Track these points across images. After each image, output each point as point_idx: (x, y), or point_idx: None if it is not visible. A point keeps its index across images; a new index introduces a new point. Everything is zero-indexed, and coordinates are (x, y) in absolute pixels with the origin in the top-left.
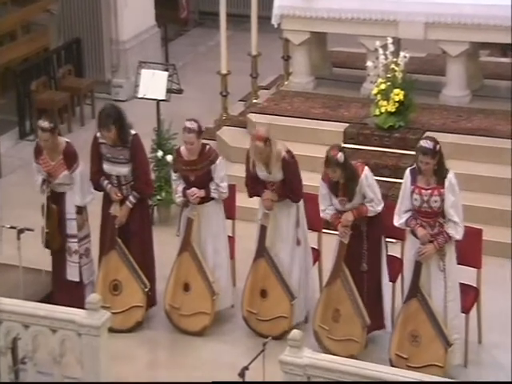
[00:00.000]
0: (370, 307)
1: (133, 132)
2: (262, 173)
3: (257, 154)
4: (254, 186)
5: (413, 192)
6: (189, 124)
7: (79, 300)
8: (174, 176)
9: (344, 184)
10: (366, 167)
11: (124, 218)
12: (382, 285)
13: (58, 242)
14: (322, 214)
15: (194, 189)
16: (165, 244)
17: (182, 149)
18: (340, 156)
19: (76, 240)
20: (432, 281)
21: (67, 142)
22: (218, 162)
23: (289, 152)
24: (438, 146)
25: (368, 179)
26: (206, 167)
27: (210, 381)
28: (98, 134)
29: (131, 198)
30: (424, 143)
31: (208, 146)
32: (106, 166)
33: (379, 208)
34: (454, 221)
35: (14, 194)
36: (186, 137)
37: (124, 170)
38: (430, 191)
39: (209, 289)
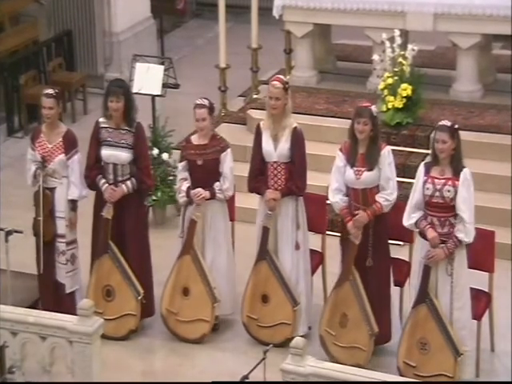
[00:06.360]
0: (376, 310)
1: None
2: (268, 147)
3: (273, 101)
4: (257, 179)
5: (425, 182)
6: (200, 101)
7: (66, 306)
8: (179, 166)
9: (365, 153)
10: (388, 146)
11: (117, 198)
12: (390, 282)
13: (51, 231)
14: (331, 198)
15: (199, 189)
16: (161, 247)
17: (193, 137)
18: (374, 108)
19: (64, 240)
20: (439, 285)
21: (68, 128)
22: (228, 151)
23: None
24: (456, 126)
25: (390, 156)
26: (215, 154)
27: None
28: (101, 119)
29: (129, 183)
30: (442, 122)
31: (219, 136)
32: (105, 152)
33: (394, 196)
34: (464, 219)
35: (2, 193)
36: (197, 113)
37: (124, 156)
38: (443, 181)
39: (210, 295)
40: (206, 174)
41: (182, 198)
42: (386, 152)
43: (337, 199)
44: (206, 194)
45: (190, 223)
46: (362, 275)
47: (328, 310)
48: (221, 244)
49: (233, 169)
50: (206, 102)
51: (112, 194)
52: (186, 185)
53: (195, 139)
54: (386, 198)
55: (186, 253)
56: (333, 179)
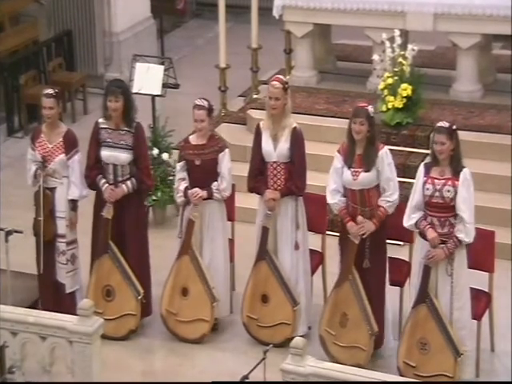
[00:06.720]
0: (373, 312)
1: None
2: (268, 147)
3: (273, 101)
4: (257, 179)
5: (425, 182)
6: (199, 101)
7: (66, 306)
8: (177, 166)
9: (362, 154)
10: (386, 146)
11: (117, 198)
12: (385, 286)
13: (51, 231)
14: (329, 199)
15: (196, 189)
16: (161, 247)
17: (191, 137)
18: (370, 108)
19: (64, 240)
20: (439, 285)
21: (69, 128)
22: (226, 151)
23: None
24: (454, 127)
25: (389, 156)
26: (214, 154)
27: None
28: (100, 120)
29: (129, 183)
30: (440, 123)
31: (218, 136)
32: (105, 153)
33: (395, 197)
34: (464, 219)
35: (2, 193)
36: (196, 114)
37: (123, 156)
38: (443, 181)
39: (209, 295)
40: (204, 174)
41: (179, 197)
42: (384, 153)
43: (335, 200)
44: (204, 193)
45: (188, 223)
46: (359, 277)
47: (328, 310)
48: (218, 244)
49: (231, 169)
50: (205, 104)
51: (111, 193)
52: (183, 185)
53: (193, 139)
54: (387, 199)
55: (185, 253)
56: (331, 180)
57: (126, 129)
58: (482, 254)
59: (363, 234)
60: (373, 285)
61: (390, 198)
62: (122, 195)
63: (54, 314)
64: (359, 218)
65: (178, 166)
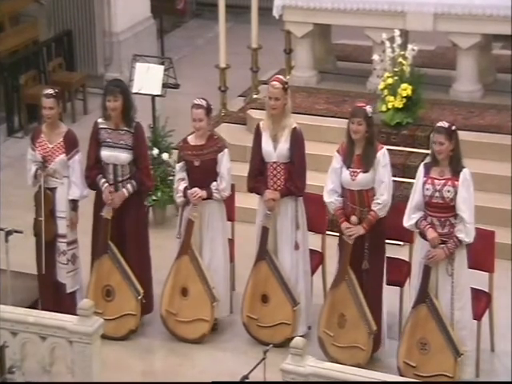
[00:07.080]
0: (371, 312)
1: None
2: (268, 148)
3: (273, 102)
4: (257, 179)
5: (425, 183)
6: (197, 101)
7: (66, 306)
8: (177, 167)
9: (361, 155)
10: (385, 147)
11: (117, 204)
12: (383, 286)
13: (52, 231)
14: (326, 198)
15: (195, 189)
16: (160, 247)
17: (190, 137)
18: (369, 108)
19: (65, 240)
20: (439, 285)
21: (69, 128)
22: (225, 151)
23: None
24: (453, 127)
25: (386, 158)
26: (213, 154)
27: None
28: (99, 120)
29: (129, 186)
30: (439, 123)
31: (217, 136)
32: (105, 153)
33: (384, 198)
34: (464, 219)
35: (2, 193)
36: (194, 113)
37: (123, 156)
38: (443, 181)
39: (208, 294)
40: (203, 174)
41: (179, 198)
42: (382, 154)
43: (332, 199)
44: (203, 193)
45: (188, 223)
46: (357, 277)
47: (326, 311)
48: (218, 244)
49: (230, 169)
50: (203, 103)
51: (108, 196)
52: (183, 185)
53: (192, 140)
54: (377, 202)
55: (184, 253)
56: (328, 180)
57: (125, 129)
58: (482, 254)
59: (351, 236)
60: (370, 285)
61: (379, 200)
62: (122, 200)
63: (54, 314)
64: (352, 218)
65: (178, 166)
